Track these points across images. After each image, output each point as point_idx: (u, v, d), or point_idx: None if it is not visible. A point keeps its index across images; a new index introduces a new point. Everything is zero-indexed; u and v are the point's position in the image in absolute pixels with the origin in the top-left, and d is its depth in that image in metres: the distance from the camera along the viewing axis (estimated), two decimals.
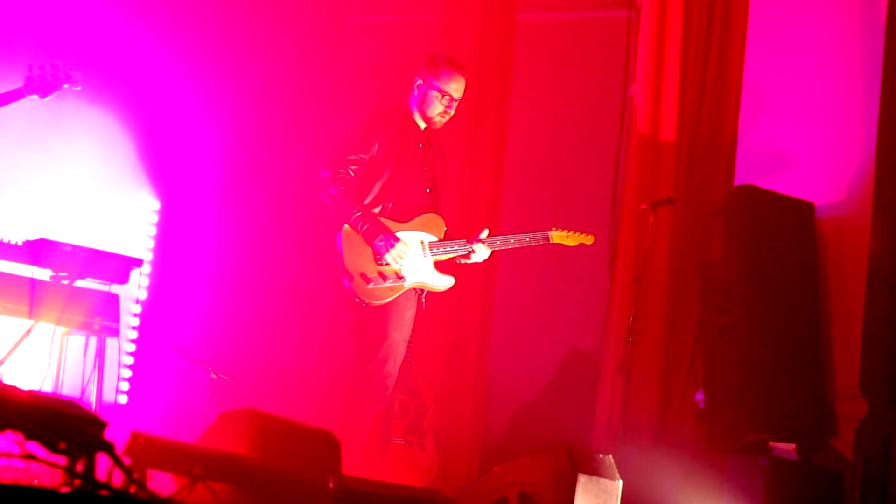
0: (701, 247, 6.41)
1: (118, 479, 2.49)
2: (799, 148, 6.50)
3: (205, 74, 7.13)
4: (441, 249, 5.40)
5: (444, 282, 5.43)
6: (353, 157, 5.35)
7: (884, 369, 5.35)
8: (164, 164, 6.86)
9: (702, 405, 6.21)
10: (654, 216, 6.35)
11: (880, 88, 5.69)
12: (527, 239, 5.55)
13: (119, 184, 6.56)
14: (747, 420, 5.76)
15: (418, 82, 5.51)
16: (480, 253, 5.45)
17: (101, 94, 6.33)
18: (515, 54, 7.41)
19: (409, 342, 5.54)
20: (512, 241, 5.53)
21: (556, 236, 5.55)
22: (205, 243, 7.10)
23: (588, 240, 5.61)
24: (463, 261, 5.50)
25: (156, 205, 6.84)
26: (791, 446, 5.79)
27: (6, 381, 4.91)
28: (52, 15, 6.20)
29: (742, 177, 6.64)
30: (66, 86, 5.08)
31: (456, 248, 5.43)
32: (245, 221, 7.27)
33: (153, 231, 6.83)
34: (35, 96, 5.05)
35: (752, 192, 6.13)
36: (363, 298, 5.22)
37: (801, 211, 6.17)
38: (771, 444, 5.75)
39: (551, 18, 8.05)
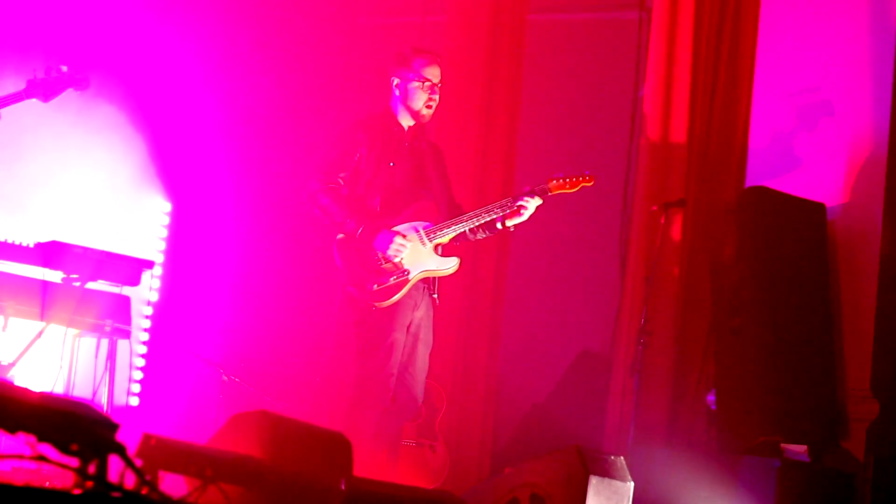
0: (712, 248, 6.41)
1: (130, 481, 2.49)
2: (810, 149, 6.49)
3: (216, 76, 7.14)
4: (439, 233, 5.35)
5: (449, 264, 5.38)
6: (339, 166, 5.36)
7: (895, 370, 5.33)
8: (175, 166, 6.88)
9: (713, 406, 6.20)
10: (665, 217, 6.35)
11: (891, 88, 5.68)
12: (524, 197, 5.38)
13: (130, 186, 6.57)
14: (759, 422, 5.75)
15: (396, 82, 5.46)
16: (532, 204, 5.32)
17: (113, 96, 6.34)
18: (526, 55, 7.40)
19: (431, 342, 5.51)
20: (508, 203, 5.39)
21: (555, 186, 5.40)
22: (216, 245, 7.12)
23: (588, 182, 5.43)
24: (510, 222, 5.39)
25: (167, 207, 6.86)
26: (803, 448, 5.77)
27: (18, 382, 4.92)
28: (64, 15, 6.21)
29: (753, 178, 6.63)
30: (70, 89, 5.05)
31: (452, 227, 5.36)
32: (256, 223, 7.28)
33: (164, 233, 6.85)
34: (36, 100, 5.03)
35: (763, 193, 6.12)
36: (373, 303, 5.21)
37: (813, 212, 6.15)
38: (782, 445, 5.74)
39: (562, 19, 8.05)
